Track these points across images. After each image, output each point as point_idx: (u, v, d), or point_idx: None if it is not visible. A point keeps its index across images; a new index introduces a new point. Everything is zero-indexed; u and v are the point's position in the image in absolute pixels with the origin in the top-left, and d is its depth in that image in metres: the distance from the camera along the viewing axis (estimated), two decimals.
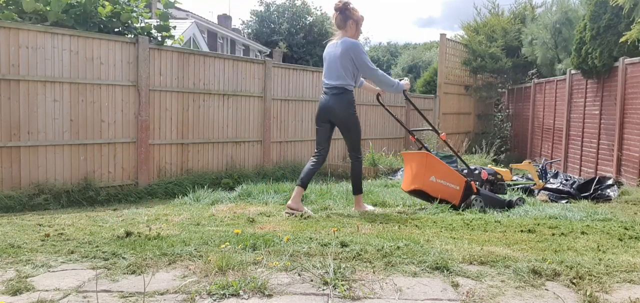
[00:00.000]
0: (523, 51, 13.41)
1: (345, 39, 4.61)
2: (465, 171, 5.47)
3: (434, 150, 9.93)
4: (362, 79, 4.99)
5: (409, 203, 5.56)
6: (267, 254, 2.55)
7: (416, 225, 3.86)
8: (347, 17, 4.59)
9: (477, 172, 5.49)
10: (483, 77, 14.33)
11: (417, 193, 5.17)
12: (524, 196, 5.89)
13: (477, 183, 5.36)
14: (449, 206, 5.13)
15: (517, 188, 6.96)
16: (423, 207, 5.14)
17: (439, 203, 5.07)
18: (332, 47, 4.67)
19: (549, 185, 7.41)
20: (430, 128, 5.57)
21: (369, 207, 4.99)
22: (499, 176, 5.62)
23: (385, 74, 4.89)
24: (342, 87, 4.59)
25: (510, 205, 5.32)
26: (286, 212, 4.55)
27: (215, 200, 5.72)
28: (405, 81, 5.03)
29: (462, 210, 4.89)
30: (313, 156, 4.81)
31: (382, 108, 12.04)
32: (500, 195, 5.49)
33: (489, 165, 6.93)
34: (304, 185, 4.68)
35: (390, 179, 8.47)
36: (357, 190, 4.89)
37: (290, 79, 9.52)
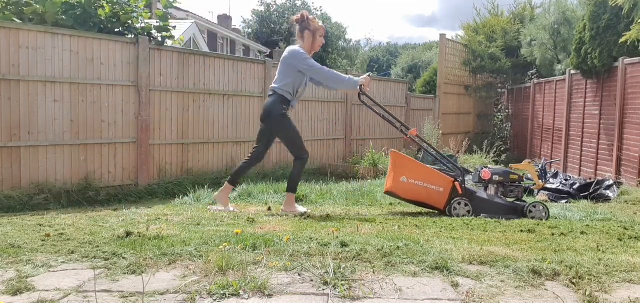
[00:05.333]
0: (522, 52, 13.42)
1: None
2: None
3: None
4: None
5: (399, 203, 5.57)
6: (267, 254, 2.55)
7: (416, 225, 3.86)
8: (303, 27, 4.59)
9: (477, 171, 4.89)
10: (483, 77, 14.34)
11: (394, 195, 4.71)
12: (545, 203, 4.97)
13: (481, 185, 4.76)
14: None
15: None
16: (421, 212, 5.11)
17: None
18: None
19: (548, 185, 7.41)
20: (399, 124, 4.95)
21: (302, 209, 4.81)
22: (512, 176, 4.73)
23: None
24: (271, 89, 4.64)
25: (519, 212, 4.52)
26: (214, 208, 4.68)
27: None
28: (364, 77, 4.58)
29: (449, 215, 4.37)
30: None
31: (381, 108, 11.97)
32: (505, 199, 4.65)
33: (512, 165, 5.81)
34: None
35: None
36: (292, 189, 4.80)
37: None
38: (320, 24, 4.67)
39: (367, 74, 4.81)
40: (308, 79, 4.64)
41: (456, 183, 4.52)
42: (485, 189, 4.78)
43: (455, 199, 4.44)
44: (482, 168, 4.82)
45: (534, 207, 4.53)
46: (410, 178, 4.50)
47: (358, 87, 4.50)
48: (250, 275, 2.20)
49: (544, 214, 4.49)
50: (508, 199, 4.69)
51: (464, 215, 4.36)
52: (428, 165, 4.84)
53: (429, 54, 31.19)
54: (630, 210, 5.70)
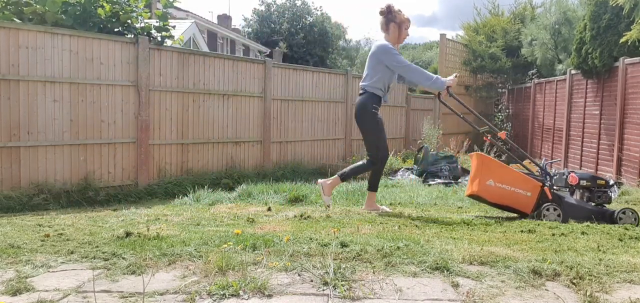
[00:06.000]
0: (523, 51, 13.42)
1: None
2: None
3: (434, 149, 9.94)
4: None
5: (399, 203, 5.56)
6: (267, 254, 2.55)
7: (416, 225, 3.86)
8: (389, 20, 4.55)
9: (563, 175, 4.63)
10: (483, 77, 14.34)
11: (479, 199, 4.58)
12: (634, 208, 4.72)
13: (567, 189, 4.59)
14: (457, 207, 5.05)
15: None
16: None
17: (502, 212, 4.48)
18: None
19: None
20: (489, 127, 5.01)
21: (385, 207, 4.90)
22: (600, 181, 4.58)
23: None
24: (362, 88, 4.60)
25: (607, 217, 4.35)
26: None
27: (215, 201, 5.72)
28: (451, 78, 4.58)
29: (536, 220, 4.20)
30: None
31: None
32: (592, 204, 4.51)
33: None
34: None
35: (391, 180, 8.47)
36: (373, 187, 4.76)
37: (290, 79, 9.52)
38: (406, 16, 4.60)
39: (454, 75, 4.78)
40: (397, 73, 4.60)
41: (545, 188, 4.44)
42: (572, 194, 4.64)
43: (545, 205, 4.35)
44: (569, 173, 4.66)
45: (624, 213, 4.38)
46: (497, 182, 4.41)
47: (445, 88, 4.48)
48: (250, 275, 2.19)
49: (633, 219, 4.30)
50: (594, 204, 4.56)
51: (553, 220, 4.24)
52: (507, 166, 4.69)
53: (429, 53, 31.21)
54: None
